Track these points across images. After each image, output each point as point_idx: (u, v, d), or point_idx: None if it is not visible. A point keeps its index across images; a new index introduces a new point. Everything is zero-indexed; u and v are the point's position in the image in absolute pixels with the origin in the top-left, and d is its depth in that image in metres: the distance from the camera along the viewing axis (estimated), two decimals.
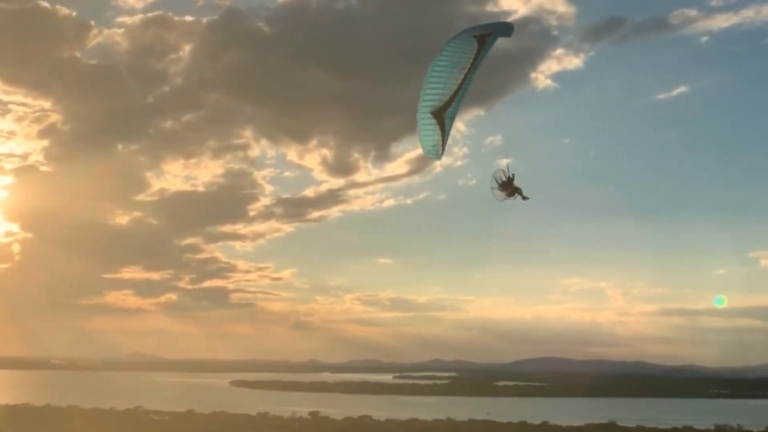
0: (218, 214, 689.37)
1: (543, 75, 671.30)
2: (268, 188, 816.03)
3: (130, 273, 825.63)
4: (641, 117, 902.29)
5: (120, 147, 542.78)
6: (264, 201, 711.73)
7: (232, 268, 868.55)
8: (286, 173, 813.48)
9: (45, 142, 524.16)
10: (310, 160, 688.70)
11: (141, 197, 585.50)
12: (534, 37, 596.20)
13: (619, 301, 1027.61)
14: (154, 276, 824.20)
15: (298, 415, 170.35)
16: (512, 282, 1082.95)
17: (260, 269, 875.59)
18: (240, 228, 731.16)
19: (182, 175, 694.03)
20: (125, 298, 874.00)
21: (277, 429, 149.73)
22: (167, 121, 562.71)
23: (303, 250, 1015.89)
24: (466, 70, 33.08)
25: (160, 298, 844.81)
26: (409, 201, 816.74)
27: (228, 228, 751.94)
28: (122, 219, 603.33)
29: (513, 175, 36.07)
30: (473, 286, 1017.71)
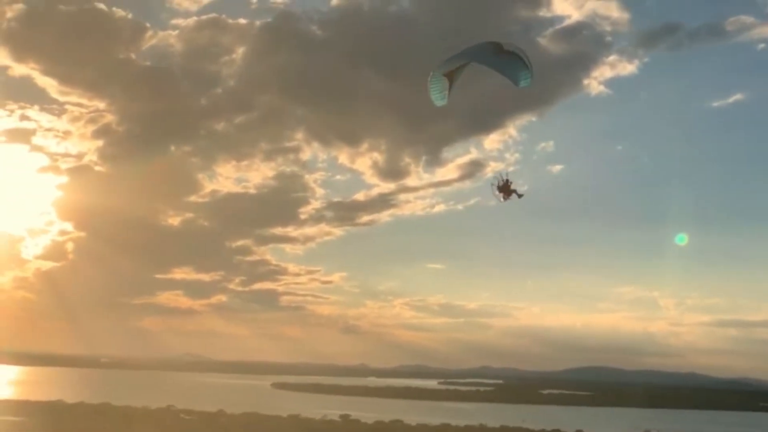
0: (269, 216, 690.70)
1: (596, 81, 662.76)
2: (319, 191, 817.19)
3: (181, 274, 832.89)
4: (696, 124, 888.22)
5: (173, 148, 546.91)
6: (315, 204, 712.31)
7: (283, 271, 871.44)
8: (337, 176, 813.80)
9: (99, 143, 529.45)
10: (361, 164, 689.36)
11: (193, 198, 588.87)
12: (587, 43, 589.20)
13: (672, 311, 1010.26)
14: (205, 277, 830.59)
15: (329, 417, 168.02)
16: (563, 289, 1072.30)
17: (310, 272, 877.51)
18: (291, 231, 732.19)
19: (234, 176, 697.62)
20: (176, 298, 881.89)
21: (303, 431, 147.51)
22: (220, 123, 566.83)
23: (353, 253, 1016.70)
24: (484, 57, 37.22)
25: (211, 299, 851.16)
26: (459, 206, 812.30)
27: (279, 230, 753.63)
28: (174, 220, 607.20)
29: (509, 180, 38.53)
30: (523, 293, 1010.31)
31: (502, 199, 38.14)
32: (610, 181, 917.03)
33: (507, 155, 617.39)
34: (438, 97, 38.67)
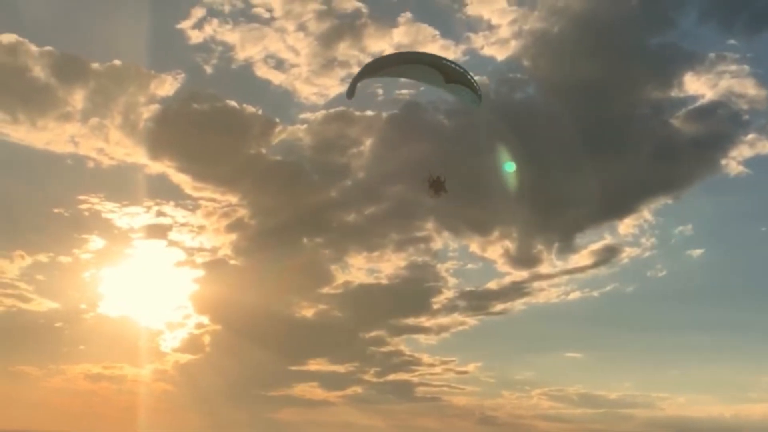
0: (402, 306, 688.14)
1: (734, 161, 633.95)
2: (452, 281, 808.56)
3: (316, 365, 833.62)
4: None
5: (305, 240, 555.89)
6: (447, 294, 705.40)
7: (417, 362, 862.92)
8: (469, 265, 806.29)
9: (233, 236, 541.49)
10: (493, 252, 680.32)
11: (326, 290, 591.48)
12: (723, 122, 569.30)
13: None
14: (340, 369, 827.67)
15: None
16: (710, 378, 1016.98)
17: (445, 362, 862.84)
18: (424, 321, 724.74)
19: (366, 267, 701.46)
20: (312, 390, 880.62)
21: None
22: (350, 215, 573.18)
23: (488, 343, 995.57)
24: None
25: (346, 390, 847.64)
26: (595, 293, 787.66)
27: (412, 321, 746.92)
28: (308, 312, 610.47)
29: (440, 176, 37.29)
30: (667, 382, 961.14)
31: (430, 195, 37.17)
32: (755, 264, 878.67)
33: (643, 240, 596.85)
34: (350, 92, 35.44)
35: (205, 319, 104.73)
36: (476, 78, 34.05)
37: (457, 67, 34.00)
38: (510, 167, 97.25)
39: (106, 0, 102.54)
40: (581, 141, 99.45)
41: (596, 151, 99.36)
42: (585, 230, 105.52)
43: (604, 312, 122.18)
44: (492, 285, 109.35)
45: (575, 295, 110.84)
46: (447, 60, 34.46)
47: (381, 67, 34.42)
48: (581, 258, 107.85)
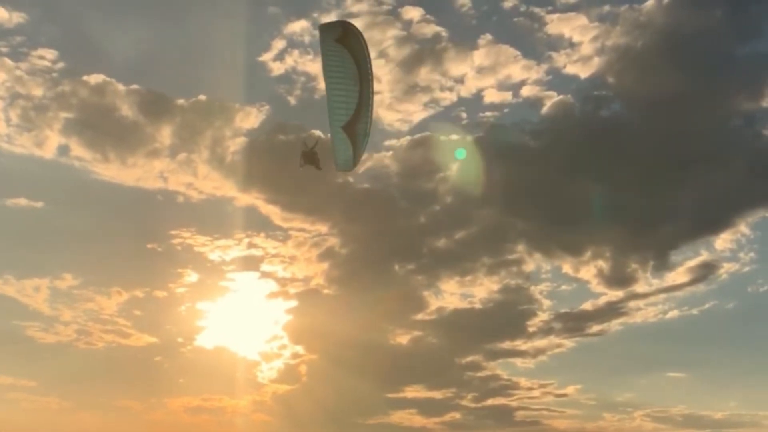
0: (497, 330, 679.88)
1: None
2: (546, 303, 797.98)
3: (413, 392, 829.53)
4: None
5: (397, 267, 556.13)
6: (542, 316, 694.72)
7: (515, 386, 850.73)
8: (563, 287, 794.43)
9: (325, 266, 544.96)
10: (586, 273, 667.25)
11: (420, 316, 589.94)
12: None
13: None
14: (437, 395, 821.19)
15: None
16: None
17: (543, 386, 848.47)
18: (520, 344, 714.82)
19: (459, 292, 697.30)
20: (410, 417, 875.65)
21: None
22: (440, 240, 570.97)
23: (586, 365, 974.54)
24: (358, 81, 32.18)
25: (444, 417, 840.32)
26: (694, 311, 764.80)
27: (508, 344, 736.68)
28: (403, 338, 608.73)
29: (315, 148, 35.62)
30: None
31: (300, 165, 35.81)
32: None
33: (741, 255, 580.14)
34: (342, 164, 34.28)
35: (300, 349, 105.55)
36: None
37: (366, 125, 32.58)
38: (461, 154, 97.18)
39: (188, 38, 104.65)
40: (671, 156, 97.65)
41: (687, 165, 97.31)
42: (680, 247, 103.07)
43: (704, 330, 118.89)
44: (587, 306, 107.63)
45: (673, 314, 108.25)
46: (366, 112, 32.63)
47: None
48: (678, 275, 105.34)
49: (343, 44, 32.14)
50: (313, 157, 35.90)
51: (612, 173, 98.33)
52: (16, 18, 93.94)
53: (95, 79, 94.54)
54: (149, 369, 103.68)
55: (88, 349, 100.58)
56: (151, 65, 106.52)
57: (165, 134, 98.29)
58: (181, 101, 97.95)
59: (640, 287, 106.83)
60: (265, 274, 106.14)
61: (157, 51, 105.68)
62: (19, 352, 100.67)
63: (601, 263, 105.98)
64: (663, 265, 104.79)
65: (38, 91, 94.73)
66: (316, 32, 32.77)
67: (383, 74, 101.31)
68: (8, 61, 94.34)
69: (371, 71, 32.49)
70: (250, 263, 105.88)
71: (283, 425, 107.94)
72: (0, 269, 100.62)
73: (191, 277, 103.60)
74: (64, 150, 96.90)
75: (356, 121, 32.76)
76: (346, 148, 33.39)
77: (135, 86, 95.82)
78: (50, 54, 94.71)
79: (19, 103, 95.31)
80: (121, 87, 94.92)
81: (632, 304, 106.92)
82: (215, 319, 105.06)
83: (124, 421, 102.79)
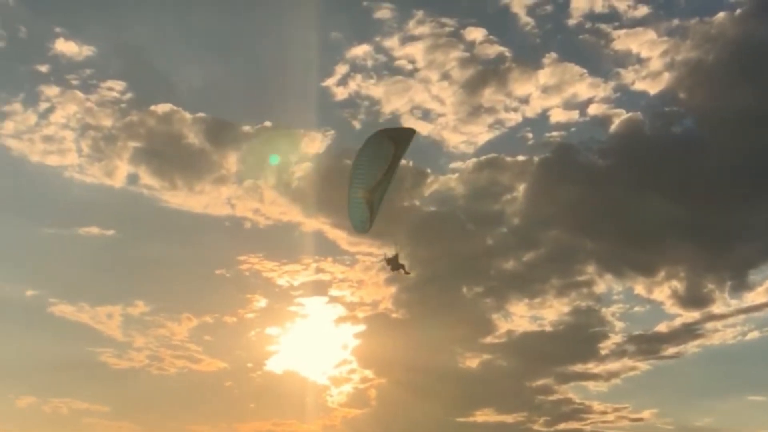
0: (568, 353, 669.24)
1: None
2: (618, 325, 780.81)
3: (483, 416, 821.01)
4: None
5: (465, 290, 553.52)
6: (615, 338, 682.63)
7: (587, 410, 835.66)
8: (636, 308, 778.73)
9: (392, 290, 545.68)
10: (660, 294, 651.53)
11: (489, 339, 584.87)
12: None
13: None
14: (508, 419, 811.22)
15: None
16: None
17: (617, 410, 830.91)
18: (592, 367, 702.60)
19: (528, 315, 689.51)
20: None
21: None
22: (508, 262, 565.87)
23: (662, 388, 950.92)
24: (387, 165, 36.43)
25: None
26: None
27: (579, 367, 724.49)
28: (472, 362, 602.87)
29: (397, 254, 40.19)
30: None
31: (390, 269, 39.86)
32: None
33: None
34: (359, 226, 38.51)
35: (369, 373, 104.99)
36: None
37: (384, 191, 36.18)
38: (273, 159, 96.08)
39: (252, 65, 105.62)
40: (747, 172, 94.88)
41: (763, 182, 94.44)
42: (759, 266, 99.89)
43: None
44: (662, 327, 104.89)
45: (753, 335, 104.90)
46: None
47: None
48: (757, 296, 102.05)
49: (394, 144, 36.41)
50: (396, 262, 40.03)
51: (685, 191, 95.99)
52: (86, 51, 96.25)
53: (162, 108, 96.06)
54: (220, 394, 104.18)
55: (159, 375, 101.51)
56: (216, 93, 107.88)
57: (231, 161, 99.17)
58: (246, 128, 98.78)
59: (717, 308, 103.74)
60: (333, 299, 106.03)
61: (221, 79, 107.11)
62: (93, 378, 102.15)
63: (676, 284, 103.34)
64: (741, 285, 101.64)
65: (107, 122, 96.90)
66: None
67: (446, 96, 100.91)
68: (79, 94, 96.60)
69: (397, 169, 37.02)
70: (319, 288, 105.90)
71: None
72: (74, 297, 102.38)
73: (260, 302, 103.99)
74: (133, 179, 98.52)
75: (374, 192, 36.81)
76: (364, 211, 37.33)
77: (201, 114, 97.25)
78: (119, 85, 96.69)
79: (89, 134, 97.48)
80: (187, 115, 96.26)
81: (709, 325, 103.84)
82: (284, 344, 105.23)
83: None
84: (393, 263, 40.09)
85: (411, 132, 37.09)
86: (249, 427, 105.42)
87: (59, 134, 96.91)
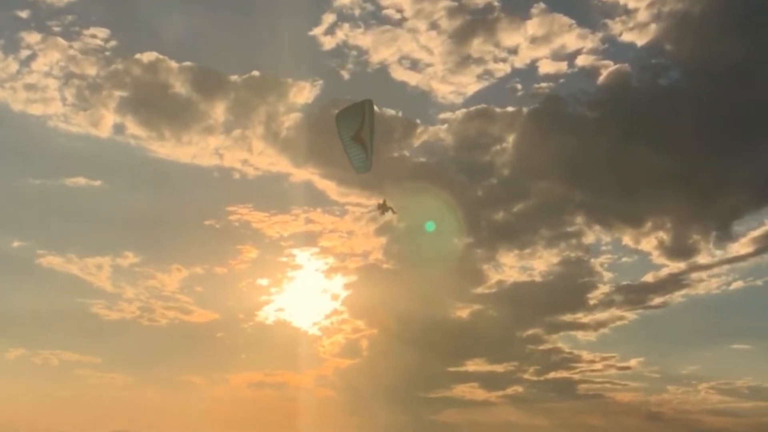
0: (557, 303, 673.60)
1: None
2: (606, 275, 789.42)
3: (474, 366, 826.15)
4: None
5: (455, 240, 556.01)
6: (603, 289, 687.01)
7: (577, 359, 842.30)
8: (624, 259, 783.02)
9: (383, 240, 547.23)
10: (647, 244, 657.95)
11: (480, 290, 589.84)
12: None
13: None
14: (498, 368, 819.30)
15: None
16: None
17: (605, 359, 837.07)
18: (581, 317, 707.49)
19: (518, 265, 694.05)
20: (472, 390, 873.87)
21: None
22: (498, 213, 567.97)
23: (648, 337, 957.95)
24: (362, 120, 38.57)
25: (507, 390, 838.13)
26: (759, 282, 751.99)
27: (568, 317, 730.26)
28: (463, 312, 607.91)
29: (385, 200, 43.49)
30: None
31: (380, 213, 43.58)
32: None
33: None
34: (361, 167, 40.79)
35: (361, 324, 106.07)
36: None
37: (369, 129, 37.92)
38: (430, 227, 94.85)
39: (238, 13, 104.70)
40: (732, 125, 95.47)
41: (749, 134, 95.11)
42: (743, 217, 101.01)
43: None
44: (648, 278, 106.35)
45: (738, 285, 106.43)
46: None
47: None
48: (741, 246, 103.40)
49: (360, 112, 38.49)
50: (385, 206, 43.46)
51: (672, 143, 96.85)
52: None
53: (148, 56, 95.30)
54: (211, 345, 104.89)
55: (151, 326, 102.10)
56: (202, 42, 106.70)
57: (219, 111, 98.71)
58: (234, 77, 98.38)
59: (702, 258, 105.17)
60: (324, 250, 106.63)
61: (208, 27, 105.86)
62: (85, 329, 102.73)
63: (662, 235, 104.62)
64: (726, 236, 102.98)
65: (92, 70, 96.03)
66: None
67: (435, 46, 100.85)
68: (61, 41, 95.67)
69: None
70: (309, 239, 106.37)
71: (346, 400, 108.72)
72: (63, 248, 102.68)
73: (251, 253, 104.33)
74: (119, 128, 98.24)
75: (361, 131, 38.57)
76: (360, 151, 39.09)
77: (188, 63, 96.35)
78: (102, 32, 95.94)
79: (73, 82, 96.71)
80: (173, 64, 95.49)
81: (695, 275, 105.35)
82: (275, 295, 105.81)
83: (188, 397, 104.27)
84: (382, 207, 43.47)
85: (369, 102, 38.55)
86: (241, 378, 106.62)
87: (42, 82, 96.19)
